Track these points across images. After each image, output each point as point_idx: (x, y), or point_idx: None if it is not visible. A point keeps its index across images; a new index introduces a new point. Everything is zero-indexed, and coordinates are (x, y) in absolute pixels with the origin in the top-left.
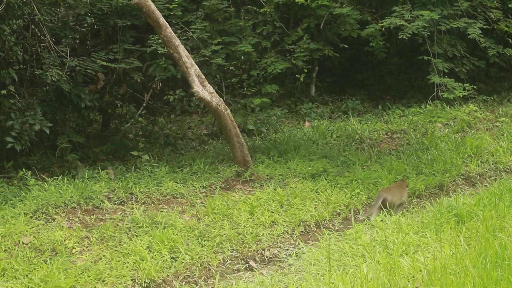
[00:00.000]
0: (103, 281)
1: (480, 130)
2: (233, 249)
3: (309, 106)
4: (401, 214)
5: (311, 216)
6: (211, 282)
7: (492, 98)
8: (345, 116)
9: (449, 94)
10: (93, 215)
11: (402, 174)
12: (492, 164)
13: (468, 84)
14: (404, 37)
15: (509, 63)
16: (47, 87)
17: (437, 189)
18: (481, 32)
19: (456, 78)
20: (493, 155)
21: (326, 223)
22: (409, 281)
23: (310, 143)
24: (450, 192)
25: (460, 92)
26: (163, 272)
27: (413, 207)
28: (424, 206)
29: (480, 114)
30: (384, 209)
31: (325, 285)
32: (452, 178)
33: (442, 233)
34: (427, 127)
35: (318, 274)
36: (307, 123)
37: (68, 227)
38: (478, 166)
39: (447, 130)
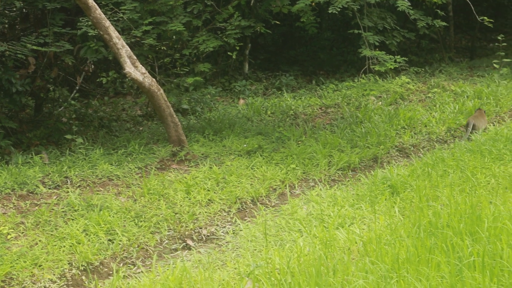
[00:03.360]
0: (39, 266)
1: (413, 101)
2: (170, 229)
3: (243, 84)
4: (336, 188)
5: (247, 193)
6: (149, 263)
7: (424, 69)
8: (279, 92)
9: (380, 67)
10: (28, 200)
11: (337, 148)
12: (425, 134)
13: (399, 57)
14: (334, 11)
15: (440, 35)
16: None
17: (372, 161)
18: (410, 4)
19: (387, 50)
20: (426, 126)
21: (263, 199)
22: (345, 253)
23: (244, 121)
24: (385, 164)
25: (391, 65)
26: (100, 254)
27: (348, 180)
28: (359, 179)
29: (413, 86)
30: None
31: (262, 261)
32: (386, 150)
33: (377, 205)
34: (360, 100)
35: (255, 250)
36: (241, 101)
37: (3, 213)
38: (412, 137)
39: (380, 102)
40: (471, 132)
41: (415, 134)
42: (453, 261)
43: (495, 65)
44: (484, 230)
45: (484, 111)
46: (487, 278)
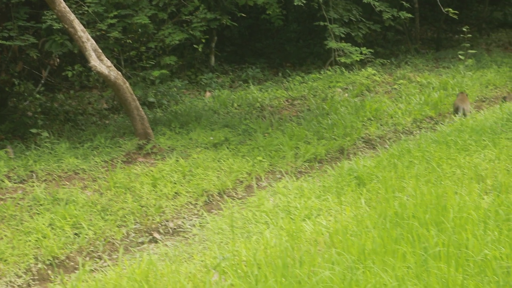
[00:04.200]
0: (4, 260)
1: (379, 93)
2: (137, 222)
3: (210, 76)
4: (303, 179)
5: (214, 185)
6: (115, 256)
7: (390, 61)
8: (246, 85)
9: (346, 59)
10: None
11: (304, 140)
12: (391, 126)
13: (364, 48)
14: (300, 4)
15: (406, 26)
16: None
17: (338, 153)
18: None
19: (353, 42)
20: (392, 118)
21: (229, 191)
22: (311, 245)
23: (211, 113)
24: (351, 155)
25: (357, 56)
26: (66, 248)
27: (314, 172)
28: (326, 170)
29: (379, 78)
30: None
31: (229, 253)
32: (352, 141)
33: (343, 196)
34: (326, 92)
35: (222, 242)
36: (207, 93)
37: None
38: (378, 129)
39: (346, 94)
40: (457, 114)
41: (381, 125)
42: (418, 252)
43: (460, 56)
44: (449, 220)
45: (467, 94)
46: (452, 267)
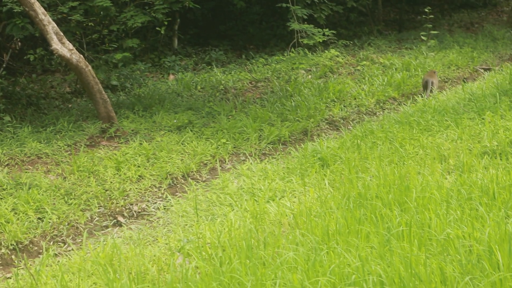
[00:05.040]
0: None
1: (342, 74)
2: (101, 206)
3: (173, 59)
4: (267, 161)
5: (178, 168)
6: (79, 240)
7: (352, 42)
8: (209, 67)
9: (309, 40)
10: None
11: (267, 122)
12: (355, 107)
13: (327, 30)
14: None
15: (368, 8)
16: None
17: (302, 134)
18: None
19: (315, 24)
20: (355, 99)
21: (193, 174)
22: (275, 227)
23: (175, 96)
24: (315, 137)
25: (319, 38)
26: (29, 233)
27: (278, 154)
28: (290, 152)
29: (342, 59)
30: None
31: (193, 236)
32: (316, 123)
33: (307, 178)
34: (290, 74)
35: (187, 225)
36: (171, 76)
37: None
38: (341, 110)
39: (310, 76)
40: (426, 90)
41: (344, 107)
42: (382, 232)
43: (422, 37)
44: (412, 200)
45: (435, 72)
46: (415, 247)
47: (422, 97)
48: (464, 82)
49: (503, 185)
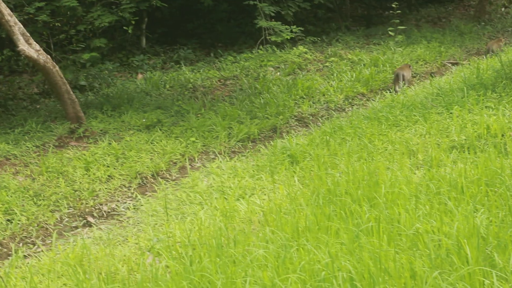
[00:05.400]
0: None
1: (310, 71)
2: (70, 207)
3: (141, 58)
4: (237, 159)
5: (147, 167)
6: (49, 241)
7: (321, 39)
8: (178, 66)
9: (277, 37)
10: None
11: (236, 119)
12: (324, 103)
13: (295, 27)
14: None
15: (336, 4)
16: None
17: (271, 132)
18: None
19: (283, 21)
20: (324, 95)
21: (163, 173)
22: (246, 224)
23: (143, 95)
24: (284, 134)
25: (287, 35)
26: None
27: (248, 151)
28: (259, 150)
29: (310, 56)
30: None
31: (163, 235)
32: (285, 120)
33: (277, 175)
34: (259, 71)
35: (156, 224)
36: (139, 75)
37: None
38: (310, 107)
39: (278, 73)
40: (398, 83)
41: (313, 103)
42: (351, 228)
43: (390, 32)
44: (381, 196)
45: (410, 65)
46: (385, 242)
47: (391, 92)
48: (432, 76)
49: (472, 179)
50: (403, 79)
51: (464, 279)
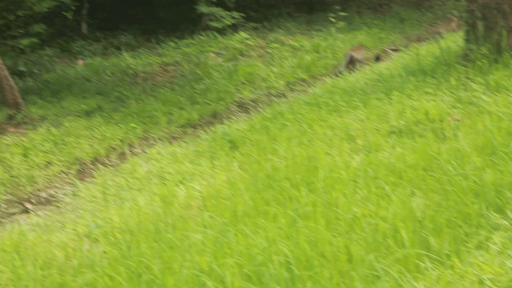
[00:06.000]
0: None
1: (252, 57)
2: (8, 193)
3: (81, 44)
4: (177, 145)
5: (86, 153)
6: None
7: (262, 25)
8: (119, 52)
9: (218, 23)
10: None
11: (177, 105)
12: (265, 89)
13: (236, 12)
14: None
15: None
16: None
17: (212, 117)
18: None
19: (224, 7)
20: (265, 81)
21: (102, 159)
22: (185, 210)
23: (83, 81)
24: (225, 119)
25: (228, 21)
26: None
27: (188, 137)
28: (200, 135)
29: (252, 42)
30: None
31: (101, 221)
32: (226, 105)
33: (217, 160)
34: (200, 57)
35: (95, 210)
36: (80, 61)
37: None
38: (251, 93)
39: (220, 59)
40: (351, 64)
41: (254, 89)
42: (289, 212)
43: (331, 19)
44: (320, 180)
45: (363, 47)
46: (322, 226)
47: (332, 77)
48: (378, 59)
49: (410, 164)
50: (354, 61)
51: (400, 262)
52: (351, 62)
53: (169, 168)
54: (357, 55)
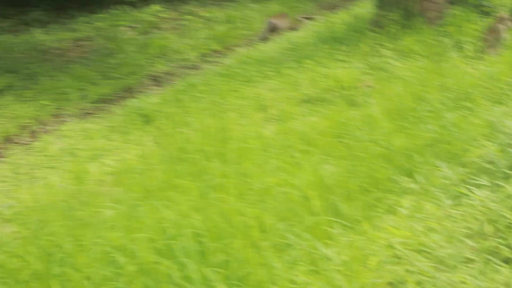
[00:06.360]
0: None
1: (165, 30)
2: None
3: None
4: (90, 121)
5: None
6: None
7: None
8: (29, 28)
9: None
10: None
11: (90, 81)
12: (178, 62)
13: None
14: None
15: None
16: None
17: (126, 92)
18: None
19: None
20: (178, 53)
21: (14, 138)
22: (97, 186)
23: None
24: (138, 94)
25: None
26: None
27: (101, 112)
28: (113, 111)
29: (165, 14)
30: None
31: (13, 201)
32: (139, 79)
33: (130, 135)
34: (112, 31)
35: (6, 190)
36: None
37: None
38: (165, 66)
39: (132, 32)
40: (274, 32)
41: (167, 62)
42: (201, 185)
43: None
44: (231, 151)
45: (286, 14)
46: (233, 197)
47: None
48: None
49: (321, 131)
50: (277, 29)
51: (310, 230)
52: (274, 30)
53: (82, 144)
54: (281, 23)
